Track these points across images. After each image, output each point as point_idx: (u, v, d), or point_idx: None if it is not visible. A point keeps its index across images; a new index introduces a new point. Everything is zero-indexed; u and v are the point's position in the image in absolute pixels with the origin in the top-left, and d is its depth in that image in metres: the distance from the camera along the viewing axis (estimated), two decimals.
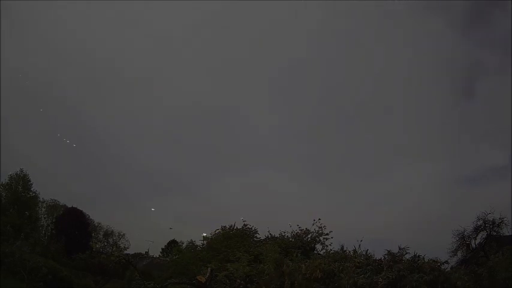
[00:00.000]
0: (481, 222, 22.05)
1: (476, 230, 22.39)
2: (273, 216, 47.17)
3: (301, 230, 24.98)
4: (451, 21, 76.95)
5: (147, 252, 52.33)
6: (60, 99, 66.77)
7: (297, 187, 65.78)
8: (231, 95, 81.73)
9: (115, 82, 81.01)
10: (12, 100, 55.88)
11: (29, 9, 71.17)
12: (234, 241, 25.42)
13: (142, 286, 20.28)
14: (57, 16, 73.00)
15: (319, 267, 18.69)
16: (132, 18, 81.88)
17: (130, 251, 51.43)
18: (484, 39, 76.04)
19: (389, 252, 19.97)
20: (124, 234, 54.34)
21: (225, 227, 27.88)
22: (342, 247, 22.48)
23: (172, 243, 49.65)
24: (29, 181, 45.19)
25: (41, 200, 47.67)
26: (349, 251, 21.83)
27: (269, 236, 26.15)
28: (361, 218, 49.60)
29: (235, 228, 27.66)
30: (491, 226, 21.88)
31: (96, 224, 52.52)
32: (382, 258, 20.02)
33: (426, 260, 18.97)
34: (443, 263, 19.76)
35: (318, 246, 24.35)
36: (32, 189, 45.34)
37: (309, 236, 24.69)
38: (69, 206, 47.88)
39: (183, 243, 40.18)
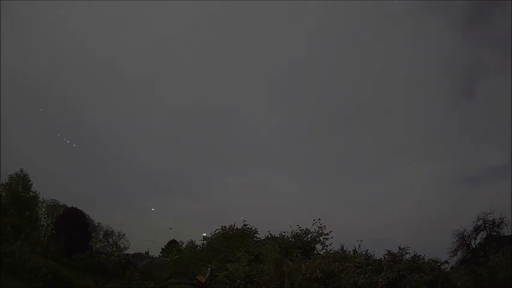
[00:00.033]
0: (481, 222, 22.05)
1: (476, 230, 22.39)
2: (273, 216, 47.23)
3: (301, 230, 24.98)
4: (451, 21, 77.06)
5: (147, 252, 52.39)
6: (60, 99, 66.86)
7: (297, 187, 65.87)
8: (231, 95, 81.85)
9: (115, 82, 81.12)
10: (12, 100, 55.95)
11: (29, 9, 71.27)
12: (234, 241, 25.42)
13: (142, 286, 20.27)
14: (57, 16, 73.12)
15: (319, 267, 18.69)
16: (132, 18, 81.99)
17: (130, 251, 51.51)
18: (484, 39, 76.15)
19: (389, 252, 19.97)
20: (124, 234, 54.43)
21: (225, 227, 27.89)
22: (342, 247, 22.50)
23: (172, 243, 49.65)
24: (29, 181, 45.20)
25: (41, 200, 47.74)
26: (349, 251, 21.84)
27: (269, 236, 26.16)
28: (361, 218, 49.66)
29: (235, 228, 27.66)
30: (491, 226, 21.88)
31: (96, 224, 52.53)
32: (382, 258, 20.02)
33: (426, 260, 18.96)
34: (443, 263, 19.77)
35: (318, 246, 24.39)
36: (32, 189, 45.40)
37: (309, 236, 24.68)
38: (69, 206, 47.96)
39: (183, 243, 40.22)
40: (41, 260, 28.79)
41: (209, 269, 19.19)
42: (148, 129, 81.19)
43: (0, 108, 46.08)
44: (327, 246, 23.98)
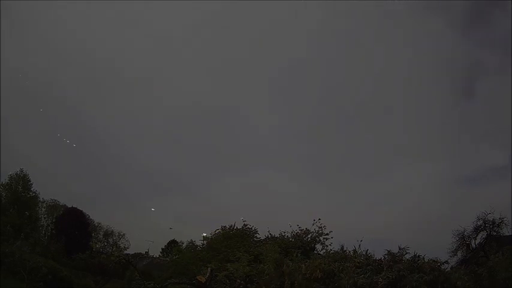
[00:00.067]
0: (481, 222, 22.05)
1: (476, 230, 22.38)
2: (273, 216, 47.23)
3: (301, 230, 24.97)
4: (451, 21, 77.06)
5: (147, 252, 52.39)
6: (60, 99, 66.88)
7: (297, 187, 65.87)
8: (231, 95, 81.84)
9: (115, 82, 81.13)
10: (12, 100, 55.96)
11: (29, 9, 71.28)
12: (234, 241, 25.42)
13: (142, 286, 20.27)
14: (57, 16, 73.12)
15: (319, 267, 18.68)
16: (132, 18, 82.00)
17: (130, 251, 51.52)
18: (484, 39, 76.15)
19: (389, 252, 19.96)
20: (124, 234, 54.43)
21: (225, 227, 27.89)
22: (342, 247, 22.50)
23: (172, 243, 49.67)
24: (29, 181, 45.21)
25: (41, 200, 47.75)
26: (349, 251, 21.83)
27: (269, 236, 26.16)
28: (361, 218, 49.66)
29: (235, 228, 27.66)
30: (491, 226, 21.87)
31: (96, 224, 52.53)
32: (382, 258, 20.02)
33: (426, 260, 18.96)
34: (443, 263, 19.76)
35: (318, 246, 24.39)
36: (32, 189, 45.41)
37: (309, 236, 24.67)
38: (69, 206, 47.96)
39: (183, 243, 40.22)
40: (41, 260, 28.78)
41: (209, 269, 19.19)
42: (148, 129, 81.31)
43: (0, 108, 46.15)
44: (327, 246, 24.02)
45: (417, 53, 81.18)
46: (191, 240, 32.98)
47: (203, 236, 28.79)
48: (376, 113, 78.32)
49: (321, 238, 24.35)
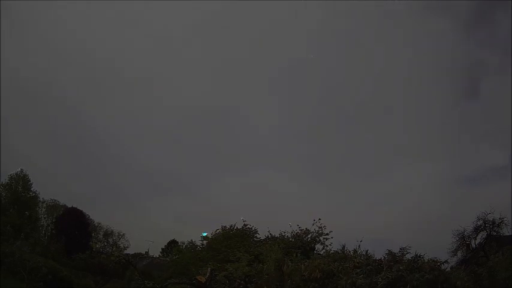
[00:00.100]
0: (481, 222, 21.99)
1: (476, 230, 22.33)
2: (273, 216, 47.25)
3: (301, 230, 24.95)
4: (452, 21, 77.12)
5: (147, 252, 52.46)
6: (60, 99, 67.07)
7: (297, 187, 65.99)
8: (231, 95, 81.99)
9: (115, 82, 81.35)
10: (12, 100, 56.01)
11: (29, 9, 71.53)
12: (234, 241, 25.44)
13: (142, 286, 20.24)
14: (57, 16, 73.31)
15: (318, 267, 18.65)
16: (132, 18, 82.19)
17: (130, 251, 51.61)
18: (484, 39, 76.11)
19: (389, 252, 19.93)
20: (124, 234, 54.54)
21: (225, 227, 27.91)
22: (343, 247, 22.46)
23: (172, 243, 49.74)
24: (29, 181, 45.27)
25: (41, 200, 47.85)
26: (349, 251, 21.81)
27: (269, 236, 26.15)
28: (361, 218, 49.75)
29: (235, 228, 27.67)
30: (491, 226, 21.82)
31: (96, 224, 52.61)
32: (382, 258, 19.99)
33: (426, 260, 18.94)
34: (443, 263, 19.72)
35: (318, 246, 24.38)
36: (32, 189, 45.50)
37: (309, 236, 24.65)
38: (69, 206, 48.05)
39: (183, 243, 40.26)
40: (41, 260, 28.77)
41: (209, 269, 19.17)
42: (148, 129, 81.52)
43: (0, 108, 46.18)
44: (327, 246, 24.02)
45: (417, 53, 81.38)
46: (191, 240, 33.07)
47: (202, 236, 28.83)
48: (376, 113, 78.58)
49: (321, 238, 24.35)
